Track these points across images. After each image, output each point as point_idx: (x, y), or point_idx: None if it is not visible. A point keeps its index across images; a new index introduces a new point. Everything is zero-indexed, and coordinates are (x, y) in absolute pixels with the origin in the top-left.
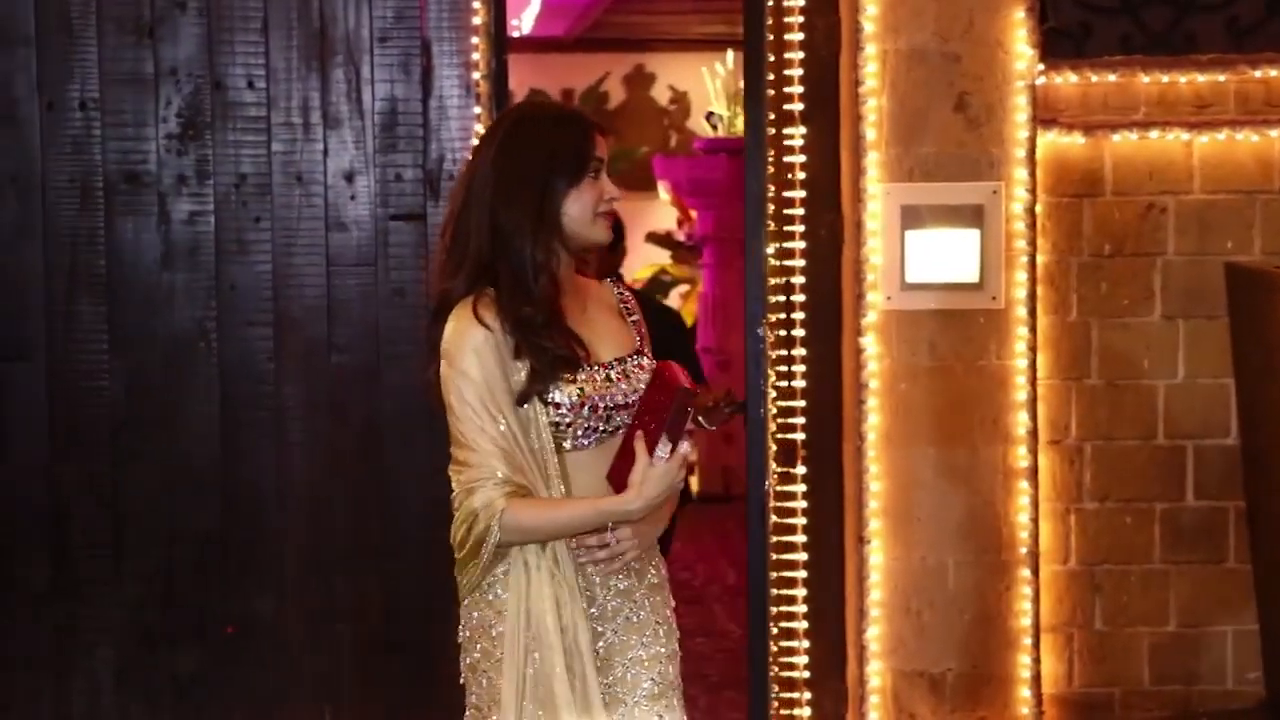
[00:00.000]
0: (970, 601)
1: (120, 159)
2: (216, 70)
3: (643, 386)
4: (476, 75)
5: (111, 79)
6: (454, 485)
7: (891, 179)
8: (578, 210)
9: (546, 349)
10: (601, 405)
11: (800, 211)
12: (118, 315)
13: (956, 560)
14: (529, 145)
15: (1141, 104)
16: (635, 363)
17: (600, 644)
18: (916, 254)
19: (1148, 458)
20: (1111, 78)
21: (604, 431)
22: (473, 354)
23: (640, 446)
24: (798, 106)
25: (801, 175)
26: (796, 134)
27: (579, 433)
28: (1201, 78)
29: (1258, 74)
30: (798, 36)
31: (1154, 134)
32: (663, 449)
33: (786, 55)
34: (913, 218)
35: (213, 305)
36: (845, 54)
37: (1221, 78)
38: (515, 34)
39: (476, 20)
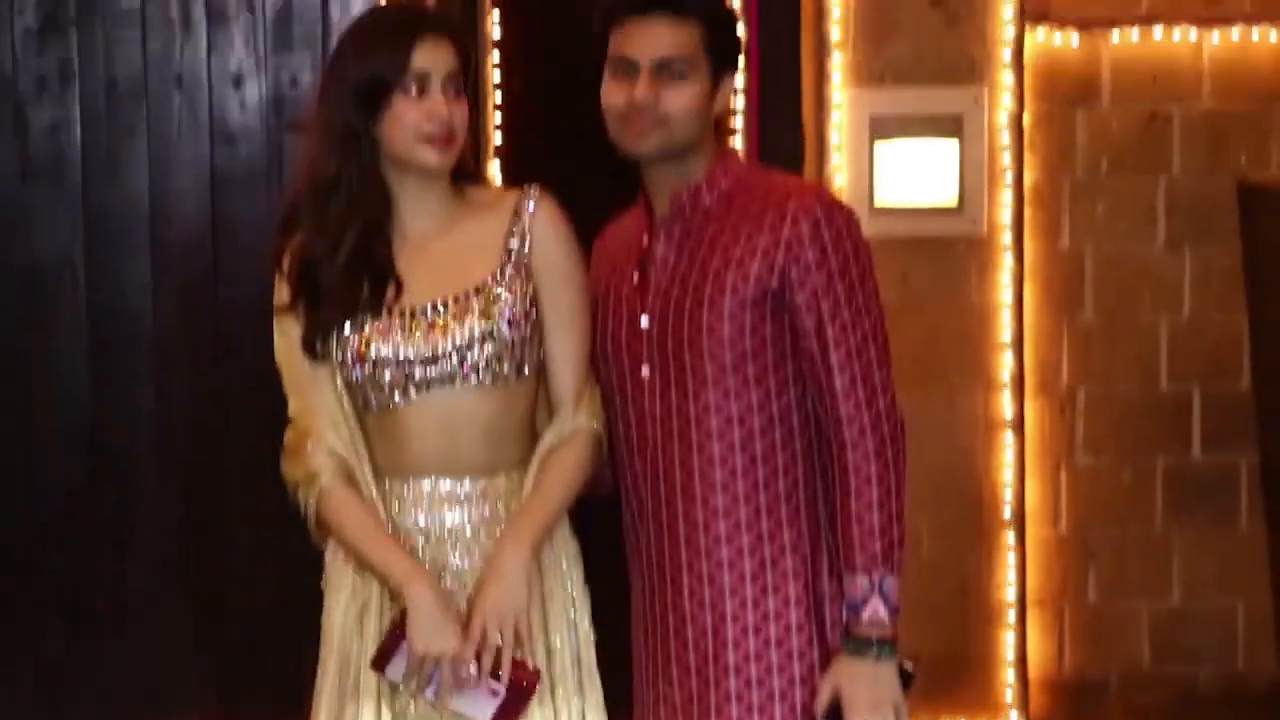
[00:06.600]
0: (946, 572)
1: None
2: None
3: (464, 332)
4: None
5: None
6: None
7: (859, 85)
8: (395, 131)
9: (320, 294)
10: (396, 359)
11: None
12: None
13: (931, 525)
14: (344, 57)
15: None
16: (463, 306)
17: None
18: (887, 172)
19: (1149, 406)
20: None
21: (408, 389)
22: (279, 309)
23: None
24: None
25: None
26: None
27: (376, 391)
28: None
29: None
30: None
31: (1158, 32)
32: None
33: None
34: (883, 129)
35: (79, 231)
36: None
37: None
38: None
39: None
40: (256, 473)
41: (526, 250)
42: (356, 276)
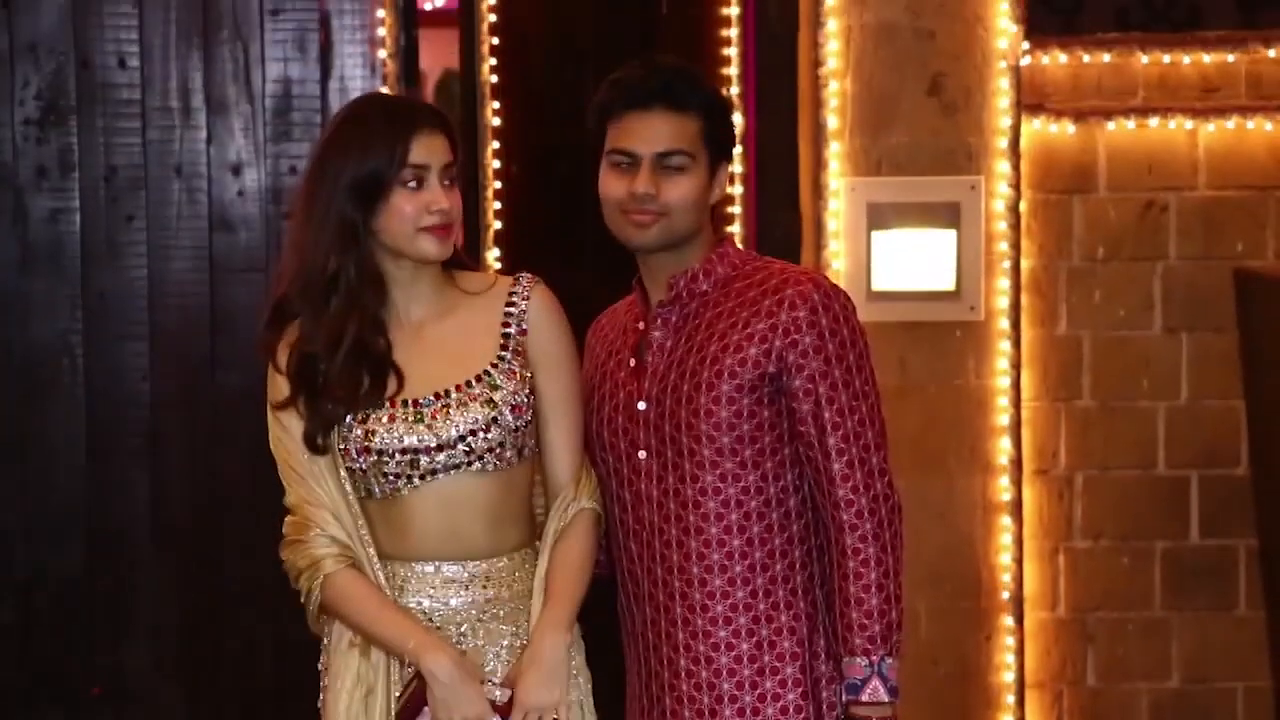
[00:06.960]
0: (945, 654)
1: None
2: (83, 46)
3: (468, 420)
4: (382, 53)
5: None
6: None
7: (856, 173)
8: (394, 224)
9: (320, 389)
10: (401, 449)
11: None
12: None
13: (929, 607)
14: (338, 149)
15: (1140, 87)
16: (465, 394)
17: None
18: (884, 258)
19: (1147, 490)
20: (1106, 58)
21: (412, 477)
22: (275, 404)
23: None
24: (735, 89)
25: (740, 170)
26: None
27: (380, 480)
28: (1208, 57)
29: (1272, 53)
30: (734, 11)
31: (1154, 122)
32: None
33: (723, 32)
34: (880, 217)
35: (78, 316)
36: (804, 30)
37: (1231, 58)
38: (427, 6)
39: None
40: (254, 557)
41: (523, 337)
42: (357, 370)
